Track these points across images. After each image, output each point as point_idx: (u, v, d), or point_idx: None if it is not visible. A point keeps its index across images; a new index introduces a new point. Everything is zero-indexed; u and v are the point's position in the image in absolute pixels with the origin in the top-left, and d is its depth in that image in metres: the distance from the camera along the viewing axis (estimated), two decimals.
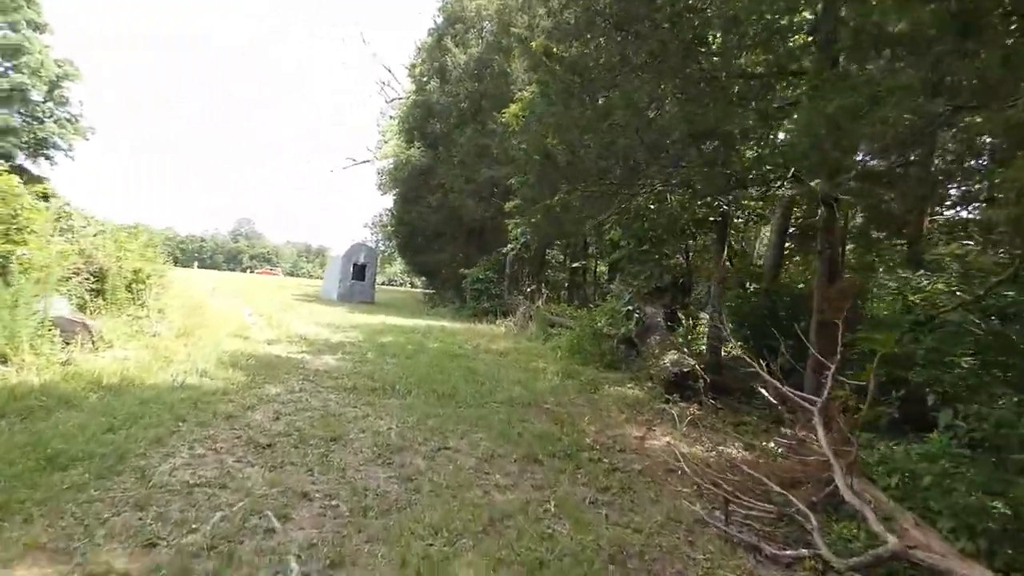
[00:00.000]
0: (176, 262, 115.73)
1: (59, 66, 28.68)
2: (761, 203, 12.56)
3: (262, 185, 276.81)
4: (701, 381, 9.22)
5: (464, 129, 21.17)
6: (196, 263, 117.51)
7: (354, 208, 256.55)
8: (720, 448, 6.46)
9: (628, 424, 7.29)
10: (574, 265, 24.90)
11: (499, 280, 21.31)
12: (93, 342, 6.92)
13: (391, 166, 27.57)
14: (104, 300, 8.80)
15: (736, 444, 6.67)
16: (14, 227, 6.74)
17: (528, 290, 23.49)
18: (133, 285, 9.84)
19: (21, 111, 27.86)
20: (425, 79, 23.34)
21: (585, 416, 7.33)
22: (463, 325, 18.52)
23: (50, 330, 6.22)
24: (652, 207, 10.16)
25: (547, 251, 23.87)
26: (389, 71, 41.27)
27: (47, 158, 29.88)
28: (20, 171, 29.15)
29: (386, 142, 33.90)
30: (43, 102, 28.71)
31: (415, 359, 10.34)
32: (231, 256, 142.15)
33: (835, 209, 7.19)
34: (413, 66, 27.27)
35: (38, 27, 28.33)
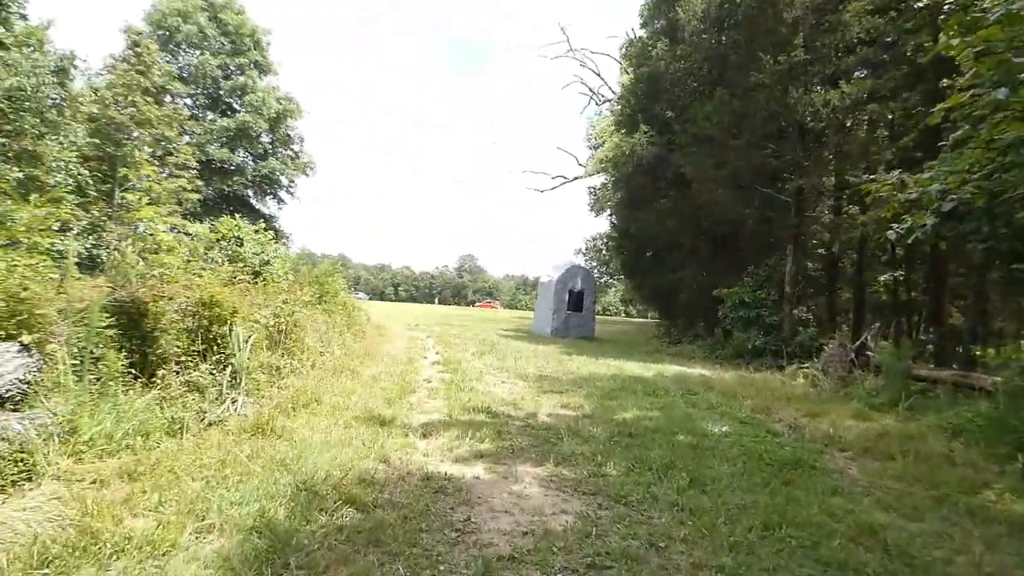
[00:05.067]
0: (412, 298, 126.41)
1: (279, 103, 29.71)
2: None
3: (479, 220, 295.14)
4: None
5: (711, 95, 15.13)
6: (437, 299, 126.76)
7: (567, 235, 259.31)
8: None
9: None
10: (883, 278, 16.82)
11: (776, 303, 14.52)
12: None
13: (610, 164, 22.45)
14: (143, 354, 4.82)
15: None
16: None
17: (802, 315, 16.16)
18: (213, 329, 5.86)
19: (248, 149, 29.29)
20: (650, 45, 18.00)
21: None
22: (730, 374, 12.25)
23: None
24: None
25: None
26: (598, 74, 36.78)
27: (273, 195, 31.14)
28: (251, 211, 30.77)
29: (600, 145, 29.12)
30: (270, 142, 29.99)
31: (715, 493, 4.63)
32: (456, 291, 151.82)
33: None
34: (630, 44, 22.11)
35: (262, 68, 29.78)
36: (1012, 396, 7.10)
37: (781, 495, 4.48)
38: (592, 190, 38.74)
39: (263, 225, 15.24)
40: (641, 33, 21.03)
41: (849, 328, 17.05)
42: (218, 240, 13.64)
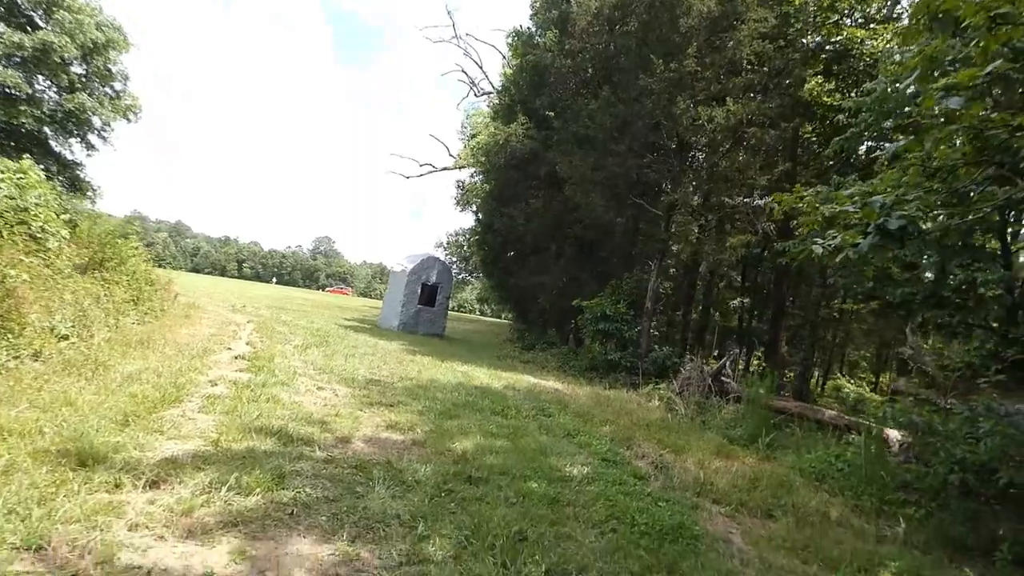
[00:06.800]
0: (258, 277, 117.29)
1: (101, 30, 24.21)
2: None
3: (341, 202, 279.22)
4: None
5: (596, 95, 14.25)
6: (275, 279, 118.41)
7: (430, 228, 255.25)
8: None
9: None
10: (734, 302, 17.22)
11: (635, 318, 13.97)
12: None
13: (483, 153, 21.01)
14: None
15: None
16: None
17: (654, 333, 16.00)
18: None
19: (50, 78, 23.50)
20: (539, 34, 16.81)
21: None
22: (584, 390, 11.31)
23: None
24: None
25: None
26: (480, 66, 35.39)
27: (80, 138, 25.19)
28: (47, 152, 24.87)
29: (475, 136, 27.68)
30: (84, 74, 24.24)
31: None
32: (308, 274, 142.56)
33: None
34: (517, 34, 20.86)
35: None
36: (875, 442, 6.69)
37: None
38: (460, 183, 37.31)
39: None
40: (530, 25, 19.94)
41: (694, 350, 17.22)
42: None
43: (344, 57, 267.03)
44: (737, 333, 18.25)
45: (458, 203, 38.33)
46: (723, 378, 10.49)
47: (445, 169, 36.33)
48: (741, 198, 11.18)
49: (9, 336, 5.66)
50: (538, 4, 19.70)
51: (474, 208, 34.12)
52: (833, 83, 14.31)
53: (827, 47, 13.40)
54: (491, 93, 30.91)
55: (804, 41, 13.29)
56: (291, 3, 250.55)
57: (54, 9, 23.19)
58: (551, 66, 16.69)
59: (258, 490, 3.74)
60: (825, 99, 14.36)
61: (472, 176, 32.06)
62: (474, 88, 33.11)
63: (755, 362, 17.62)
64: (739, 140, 12.22)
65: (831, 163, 14.89)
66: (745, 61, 12.36)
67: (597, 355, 13.93)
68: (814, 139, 15.93)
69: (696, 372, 10.71)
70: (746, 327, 18.08)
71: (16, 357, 5.56)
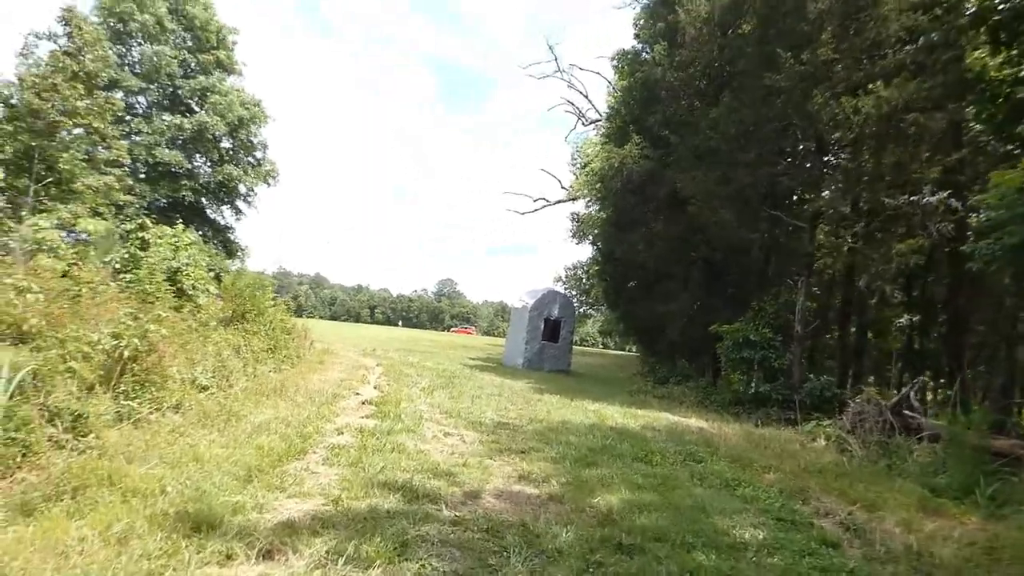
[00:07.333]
0: (388, 321, 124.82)
1: (244, 107, 27.29)
2: None
3: (463, 244, 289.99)
4: None
5: (716, 103, 13.19)
6: (401, 322, 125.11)
7: (546, 265, 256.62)
8: None
9: None
10: (901, 320, 14.87)
11: (784, 345, 12.37)
12: None
13: (597, 179, 20.42)
14: None
15: None
16: None
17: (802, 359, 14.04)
18: None
19: (204, 153, 26.74)
20: (646, 50, 16.14)
21: None
22: (732, 428, 10.01)
23: None
24: None
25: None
26: (586, 96, 34.98)
27: (229, 204, 28.28)
28: (204, 220, 27.97)
29: (586, 165, 27.25)
30: (230, 148, 27.41)
31: None
32: (434, 315, 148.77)
33: None
34: (622, 55, 20.30)
35: (226, 68, 27.46)
36: None
37: None
38: (575, 216, 36.83)
39: (201, 234, 13.00)
40: (634, 43, 19.35)
41: (859, 378, 14.97)
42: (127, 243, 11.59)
43: (451, 107, 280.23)
44: (906, 356, 15.67)
45: (574, 235, 37.81)
46: (908, 412, 8.75)
47: (559, 202, 36.19)
48: (906, 197, 9.51)
49: (152, 389, 5.83)
50: (642, 21, 19.09)
51: (591, 239, 33.49)
52: (1004, 53, 12.11)
53: (999, 7, 11.31)
54: (599, 121, 30.49)
55: (968, 4, 11.35)
56: (407, 75, 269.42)
57: (208, 95, 26.45)
58: (661, 80, 15.87)
59: (378, 562, 3.28)
60: (994, 74, 12.18)
61: (587, 206, 31.55)
62: (582, 118, 32.90)
63: (929, 390, 15.06)
64: (891, 130, 10.51)
65: (1011, 147, 12.54)
66: (893, 39, 10.73)
67: (740, 387, 12.48)
68: (978, 123, 13.52)
69: (871, 407, 9.04)
70: (918, 348, 15.47)
71: (158, 409, 5.69)
